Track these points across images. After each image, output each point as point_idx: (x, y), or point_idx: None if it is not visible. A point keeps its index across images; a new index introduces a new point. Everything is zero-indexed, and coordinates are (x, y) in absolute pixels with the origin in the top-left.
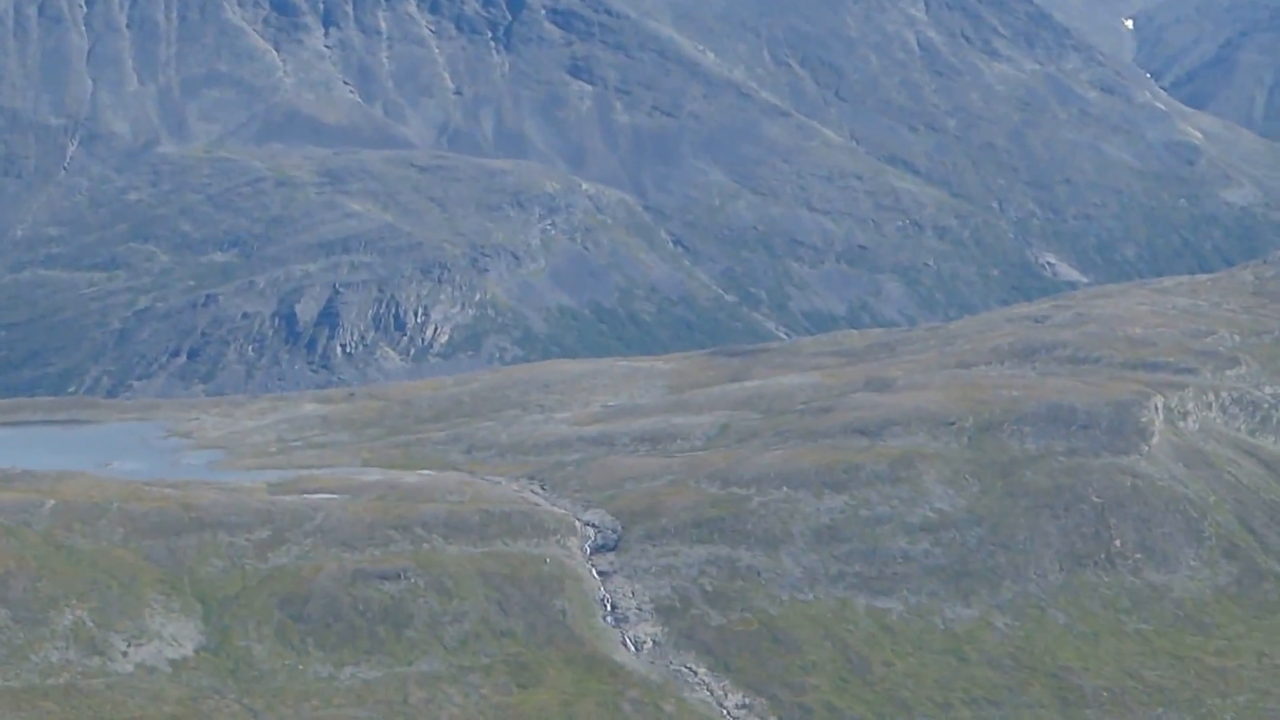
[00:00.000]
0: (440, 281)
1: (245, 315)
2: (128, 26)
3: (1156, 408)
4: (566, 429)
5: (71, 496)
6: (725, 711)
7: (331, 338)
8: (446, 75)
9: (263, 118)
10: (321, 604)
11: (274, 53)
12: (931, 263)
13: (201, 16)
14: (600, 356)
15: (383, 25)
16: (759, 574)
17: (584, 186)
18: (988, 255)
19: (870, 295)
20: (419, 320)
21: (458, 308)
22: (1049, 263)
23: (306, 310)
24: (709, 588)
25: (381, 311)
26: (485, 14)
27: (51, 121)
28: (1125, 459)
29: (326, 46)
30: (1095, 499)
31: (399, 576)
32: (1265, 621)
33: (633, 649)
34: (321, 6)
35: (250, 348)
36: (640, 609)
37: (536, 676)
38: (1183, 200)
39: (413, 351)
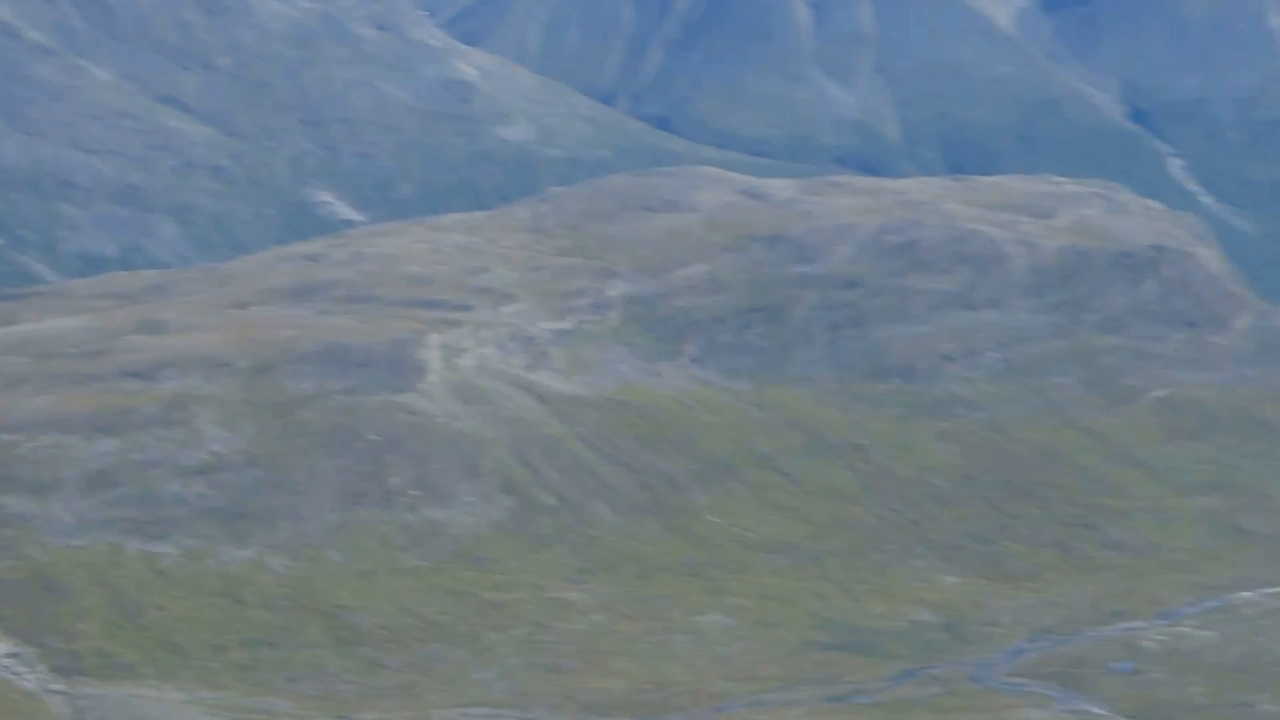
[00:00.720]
0: None
1: None
2: None
3: (433, 345)
4: None
5: None
6: None
7: None
8: None
9: None
10: None
11: None
12: (205, 202)
13: None
14: None
15: None
16: (28, 521)
17: None
18: (263, 194)
19: (143, 236)
20: None
21: None
22: (325, 201)
23: None
24: None
25: None
26: None
27: None
28: (402, 397)
29: None
30: (372, 437)
31: None
32: (541, 555)
33: None
34: None
35: None
36: None
37: None
38: (459, 138)
39: None
